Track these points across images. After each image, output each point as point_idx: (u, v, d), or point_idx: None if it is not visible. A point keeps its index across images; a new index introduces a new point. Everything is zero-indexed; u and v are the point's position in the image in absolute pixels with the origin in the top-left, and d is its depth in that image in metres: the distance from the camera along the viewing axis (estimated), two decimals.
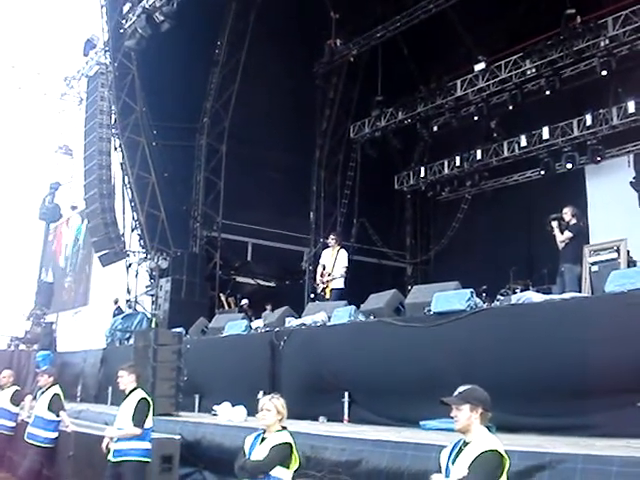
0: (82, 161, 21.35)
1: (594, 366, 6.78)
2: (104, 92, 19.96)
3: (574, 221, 11.09)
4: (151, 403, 7.58)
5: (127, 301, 19.17)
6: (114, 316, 18.19)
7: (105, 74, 19.66)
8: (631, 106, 15.60)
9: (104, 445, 7.46)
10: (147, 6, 15.91)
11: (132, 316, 17.60)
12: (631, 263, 10.56)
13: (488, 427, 4.46)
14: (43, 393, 9.53)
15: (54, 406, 9.29)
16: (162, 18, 15.60)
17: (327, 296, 13.24)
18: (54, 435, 9.26)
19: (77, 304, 28.44)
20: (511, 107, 17.75)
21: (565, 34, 15.78)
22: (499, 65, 17.59)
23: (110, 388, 13.83)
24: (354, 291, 12.81)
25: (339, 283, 13.23)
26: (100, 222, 19.44)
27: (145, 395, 7.57)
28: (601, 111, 16.41)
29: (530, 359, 7.43)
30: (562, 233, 11.01)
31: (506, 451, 4.20)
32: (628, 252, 10.76)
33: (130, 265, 19.37)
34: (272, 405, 5.34)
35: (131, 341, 14.30)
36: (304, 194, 21.18)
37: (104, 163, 19.87)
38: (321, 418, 9.60)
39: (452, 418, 4.40)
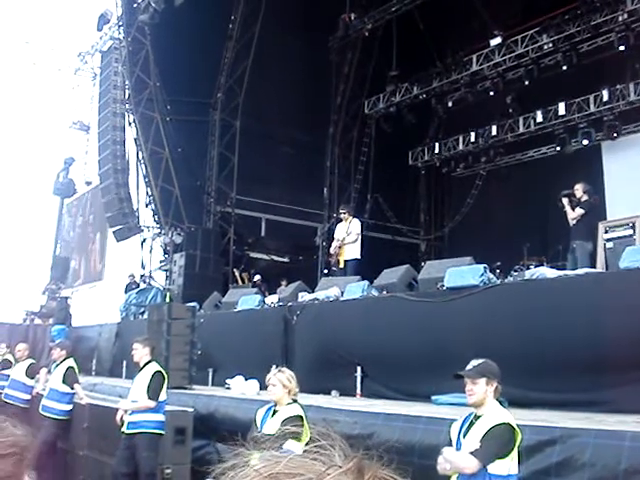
0: (96, 136, 21.38)
1: (607, 342, 6.77)
2: (118, 67, 19.92)
3: (585, 197, 11.02)
4: (165, 376, 7.65)
5: (141, 276, 19.26)
6: (128, 290, 18.29)
7: (119, 49, 19.62)
8: None
9: (118, 417, 7.55)
10: None
11: (146, 290, 17.71)
12: None
13: (500, 401, 4.47)
14: (57, 366, 9.63)
15: (68, 379, 9.39)
16: None
17: (341, 266, 13.18)
18: (69, 407, 9.37)
19: (89, 279, 28.61)
20: (527, 82, 17.56)
21: (583, 8, 15.57)
22: (515, 40, 17.39)
23: (124, 362, 13.93)
24: (368, 267, 12.82)
25: (354, 252, 13.13)
26: (114, 197, 19.48)
27: (160, 368, 7.63)
28: (618, 87, 16.21)
29: (543, 335, 7.42)
30: (573, 210, 10.95)
31: (518, 425, 4.21)
32: None
33: (144, 240, 19.43)
34: (277, 380, 5.38)
35: (145, 315, 14.39)
36: (318, 170, 21.13)
37: (118, 138, 19.87)
38: (333, 392, 9.65)
39: (464, 392, 4.41)
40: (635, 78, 15.92)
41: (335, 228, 14.33)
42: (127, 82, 19.00)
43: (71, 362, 9.61)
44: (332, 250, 13.53)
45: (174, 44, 17.57)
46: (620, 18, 15.20)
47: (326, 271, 16.36)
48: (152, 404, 7.34)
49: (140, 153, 18.72)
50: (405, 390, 8.84)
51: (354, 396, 9.39)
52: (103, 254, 27.90)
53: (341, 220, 13.89)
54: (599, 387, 6.79)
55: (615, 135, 16.71)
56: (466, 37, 19.64)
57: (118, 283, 20.63)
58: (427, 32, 19.84)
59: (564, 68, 16.70)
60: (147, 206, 19.19)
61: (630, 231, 10.63)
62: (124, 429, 7.38)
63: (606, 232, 10.89)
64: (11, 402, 10.51)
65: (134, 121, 18.73)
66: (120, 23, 18.77)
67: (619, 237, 10.63)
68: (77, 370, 9.73)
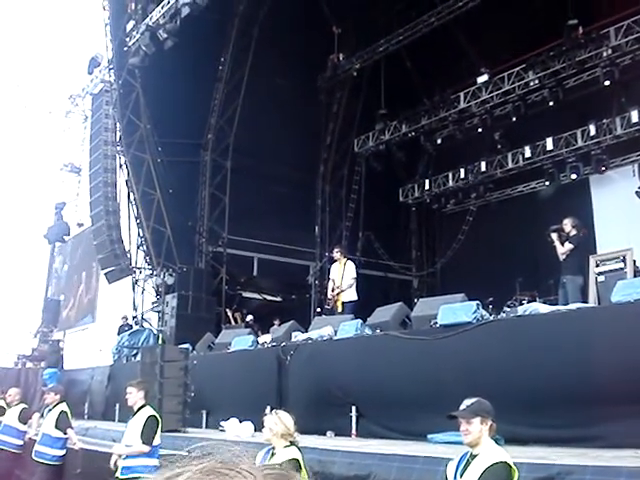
0: (87, 178, 21.43)
1: (601, 376, 6.77)
2: (109, 110, 20.04)
3: (574, 232, 11.09)
4: (160, 420, 7.58)
5: (134, 318, 19.18)
6: (121, 332, 18.20)
7: (110, 92, 19.75)
8: (634, 115, 15.60)
9: (112, 462, 7.46)
10: (151, 24, 16.01)
11: (139, 332, 17.61)
12: (638, 273, 10.55)
13: (496, 439, 4.46)
14: (50, 411, 9.53)
15: (61, 424, 9.28)
16: (165, 35, 15.70)
17: (339, 310, 13.22)
18: (62, 453, 9.25)
19: (81, 322, 28.48)
20: (514, 118, 17.78)
21: (567, 45, 15.82)
22: (502, 77, 17.64)
23: (117, 405, 13.81)
24: (361, 305, 12.86)
25: (351, 295, 13.21)
26: (106, 239, 19.47)
27: (153, 412, 7.56)
28: (605, 121, 16.41)
29: (537, 370, 7.42)
30: (562, 244, 11.01)
31: (514, 463, 4.20)
32: (634, 262, 10.74)
33: (136, 282, 19.38)
34: (266, 422, 5.34)
35: (138, 357, 14.30)
36: (309, 208, 21.21)
37: (109, 180, 19.93)
38: (329, 433, 9.58)
39: (459, 431, 4.40)
40: (621, 112, 16.13)
41: (329, 268, 14.36)
42: (118, 124, 19.11)
43: (64, 406, 9.51)
44: (330, 295, 13.57)
45: (164, 86, 17.70)
46: (605, 54, 15.46)
47: (319, 310, 16.34)
48: (146, 449, 7.27)
49: (131, 195, 18.75)
50: (401, 429, 8.79)
51: (349, 436, 9.32)
52: (94, 296, 27.78)
53: (335, 260, 13.93)
54: (593, 422, 6.77)
55: (603, 169, 16.88)
56: (453, 75, 19.90)
57: (110, 325, 20.53)
58: (414, 70, 20.13)
59: (551, 104, 16.93)
60: (139, 247, 19.18)
61: (621, 264, 10.67)
62: (118, 474, 7.30)
63: (597, 266, 10.92)
64: (4, 448, 10.37)
65: (125, 163, 18.79)
66: (111, 66, 18.91)
67: (610, 270, 10.67)
68: (70, 414, 9.63)
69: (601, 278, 10.65)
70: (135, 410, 7.58)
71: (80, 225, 26.52)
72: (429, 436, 7.98)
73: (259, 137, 19.44)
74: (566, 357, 7.22)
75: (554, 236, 11.12)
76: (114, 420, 13.96)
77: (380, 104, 20.09)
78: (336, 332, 10.78)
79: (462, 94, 18.64)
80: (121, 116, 18.55)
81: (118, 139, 19.36)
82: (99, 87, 22.18)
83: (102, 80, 21.76)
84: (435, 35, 17.93)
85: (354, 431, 9.40)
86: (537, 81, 16.98)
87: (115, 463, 7.40)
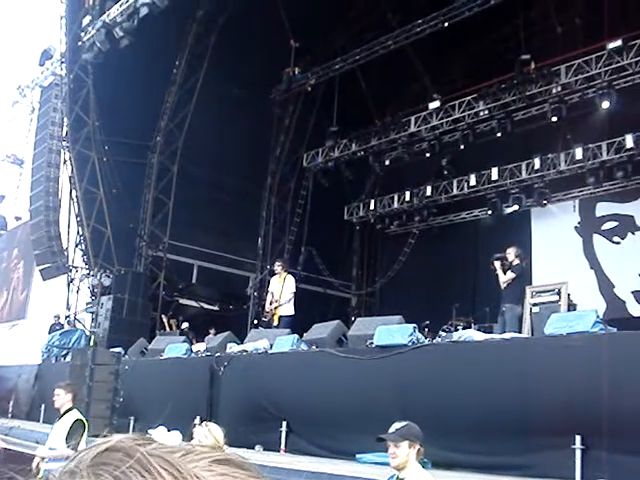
0: (30, 172, 21.00)
1: (532, 406, 6.87)
2: (57, 103, 19.71)
3: (517, 261, 11.27)
4: (86, 425, 7.41)
5: (66, 317, 18.79)
6: (52, 331, 17.80)
7: (60, 85, 19.41)
8: (578, 153, 15.98)
9: (34, 465, 7.26)
10: (107, 21, 15.79)
11: (70, 332, 17.24)
12: (571, 306, 10.77)
13: (424, 462, 4.48)
14: None
15: None
16: (122, 34, 15.50)
17: (275, 323, 13.20)
18: None
19: (11, 317, 27.80)
20: (462, 146, 18.01)
21: (519, 79, 16.13)
22: (453, 105, 17.88)
23: (43, 405, 13.48)
24: (298, 319, 12.87)
25: (288, 310, 13.20)
26: (44, 235, 19.08)
27: (80, 416, 7.40)
28: (549, 156, 16.75)
29: (469, 397, 7.50)
30: (505, 273, 11.17)
31: None
32: (569, 295, 10.96)
33: (72, 281, 19.01)
34: (197, 434, 5.25)
35: (68, 358, 14.01)
36: (253, 219, 21.12)
37: (52, 175, 19.56)
38: (257, 447, 9.52)
39: (387, 452, 4.40)
40: (566, 148, 16.49)
41: (268, 280, 14.32)
42: (65, 119, 18.78)
43: None
44: (267, 308, 13.53)
45: (116, 85, 17.48)
46: (554, 90, 15.83)
47: (256, 322, 16.26)
48: (70, 453, 7.08)
49: (74, 192, 18.41)
50: (330, 447, 8.78)
51: (278, 451, 9.27)
52: (27, 292, 27.17)
53: (275, 273, 13.90)
54: (524, 451, 6.87)
55: (545, 202, 17.23)
56: (406, 98, 20.16)
57: (42, 323, 20.06)
58: (368, 91, 20.27)
59: (499, 135, 17.24)
60: (77, 246, 18.84)
61: (556, 297, 10.87)
62: (40, 477, 7.11)
63: (532, 297, 11.12)
64: None
65: (70, 159, 18.46)
66: (63, 60, 18.58)
67: (545, 302, 10.86)
68: None
69: (535, 309, 10.83)
70: (62, 413, 7.40)
71: (18, 219, 25.92)
72: (358, 456, 7.98)
73: (208, 144, 19.28)
74: (498, 386, 7.32)
75: (497, 264, 11.28)
76: (39, 421, 13.62)
77: (332, 121, 20.16)
78: (272, 346, 10.74)
79: (413, 118, 18.83)
80: (69, 111, 18.22)
81: (64, 134, 19.03)
82: (49, 80, 21.79)
83: (53, 73, 21.37)
84: (391, 58, 18.11)
85: (283, 446, 9.35)
86: (487, 111, 17.27)
87: (37, 466, 7.21)
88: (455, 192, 19.09)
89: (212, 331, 15.38)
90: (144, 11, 14.68)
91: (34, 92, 24.76)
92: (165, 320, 18.05)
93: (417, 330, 8.84)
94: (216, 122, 19.25)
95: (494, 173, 17.73)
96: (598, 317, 7.47)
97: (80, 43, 17.30)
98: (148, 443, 0.69)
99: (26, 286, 27.39)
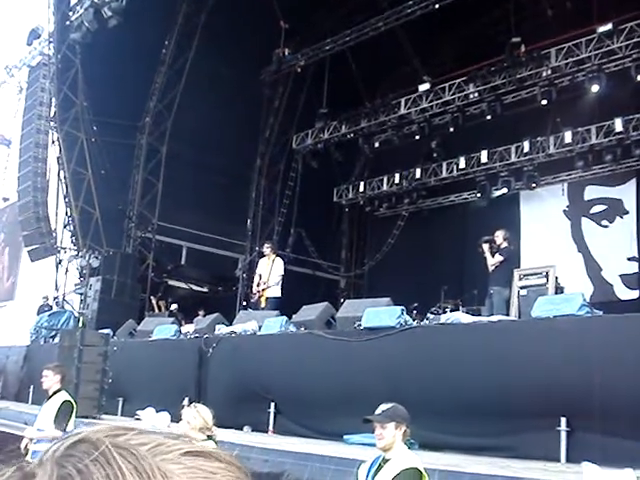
0: (17, 152, 20.86)
1: (516, 388, 6.94)
2: (45, 83, 19.54)
3: (505, 244, 11.32)
4: (74, 406, 7.42)
5: (55, 298, 18.74)
6: (40, 312, 17.76)
7: (48, 65, 19.24)
8: (568, 136, 16.01)
9: (23, 445, 7.27)
10: (96, 0, 15.65)
11: (59, 314, 17.19)
12: (558, 289, 10.84)
13: (410, 444, 4.51)
14: None
15: None
16: (110, 14, 15.38)
17: (262, 305, 13.23)
18: None
19: (1, 299, 27.72)
20: (452, 129, 18.00)
21: (509, 62, 16.11)
22: (443, 87, 17.85)
23: (32, 387, 13.47)
24: (287, 301, 12.89)
25: (275, 292, 13.23)
26: (32, 216, 18.99)
27: (69, 397, 7.40)
28: (539, 139, 16.78)
29: (456, 379, 7.55)
30: (493, 256, 11.22)
31: (426, 469, 4.25)
32: (556, 278, 11.03)
33: (60, 262, 18.94)
34: (184, 415, 5.28)
35: (56, 339, 13.99)
36: (243, 201, 21.08)
37: (40, 156, 19.43)
38: (246, 428, 9.56)
39: (374, 433, 4.44)
40: (555, 132, 16.52)
41: (257, 262, 14.31)
42: (54, 99, 18.64)
43: None
44: (254, 290, 13.54)
45: (105, 65, 17.35)
46: (544, 74, 15.83)
47: (245, 303, 16.27)
48: (58, 434, 7.09)
49: (62, 172, 18.32)
50: (317, 428, 8.83)
51: (266, 432, 9.32)
52: (15, 273, 27.08)
53: (264, 255, 13.90)
54: (508, 432, 6.94)
55: (533, 185, 17.27)
56: (396, 81, 20.10)
57: (30, 304, 20.02)
58: (358, 73, 20.18)
59: (488, 117, 17.23)
60: (65, 227, 18.76)
61: (543, 280, 10.94)
62: (28, 458, 7.12)
63: (520, 279, 11.18)
64: None
65: (58, 139, 18.35)
66: (51, 39, 18.42)
67: (532, 285, 10.93)
68: None
69: (523, 292, 10.90)
70: (50, 394, 7.40)
71: (6, 200, 25.78)
72: (345, 436, 8.04)
73: (197, 125, 19.17)
74: (484, 368, 7.37)
75: (485, 247, 11.33)
76: (27, 402, 13.62)
77: (322, 103, 20.09)
78: (260, 327, 10.77)
79: (403, 100, 18.79)
80: (57, 91, 18.09)
81: (52, 114, 18.88)
82: (37, 59, 21.57)
83: (41, 53, 21.15)
84: (381, 39, 18.05)
85: (271, 427, 9.40)
86: (477, 94, 17.26)
87: (26, 447, 7.22)
88: (444, 175, 19.10)
89: (201, 312, 15.40)
90: None
91: (22, 72, 24.51)
92: (154, 301, 18.05)
93: (405, 312, 8.88)
94: (205, 103, 19.12)
95: (483, 156, 17.75)
96: (585, 300, 7.53)
97: (68, 23, 17.15)
98: (123, 434, 0.68)
99: (12, 272, 27.31)
